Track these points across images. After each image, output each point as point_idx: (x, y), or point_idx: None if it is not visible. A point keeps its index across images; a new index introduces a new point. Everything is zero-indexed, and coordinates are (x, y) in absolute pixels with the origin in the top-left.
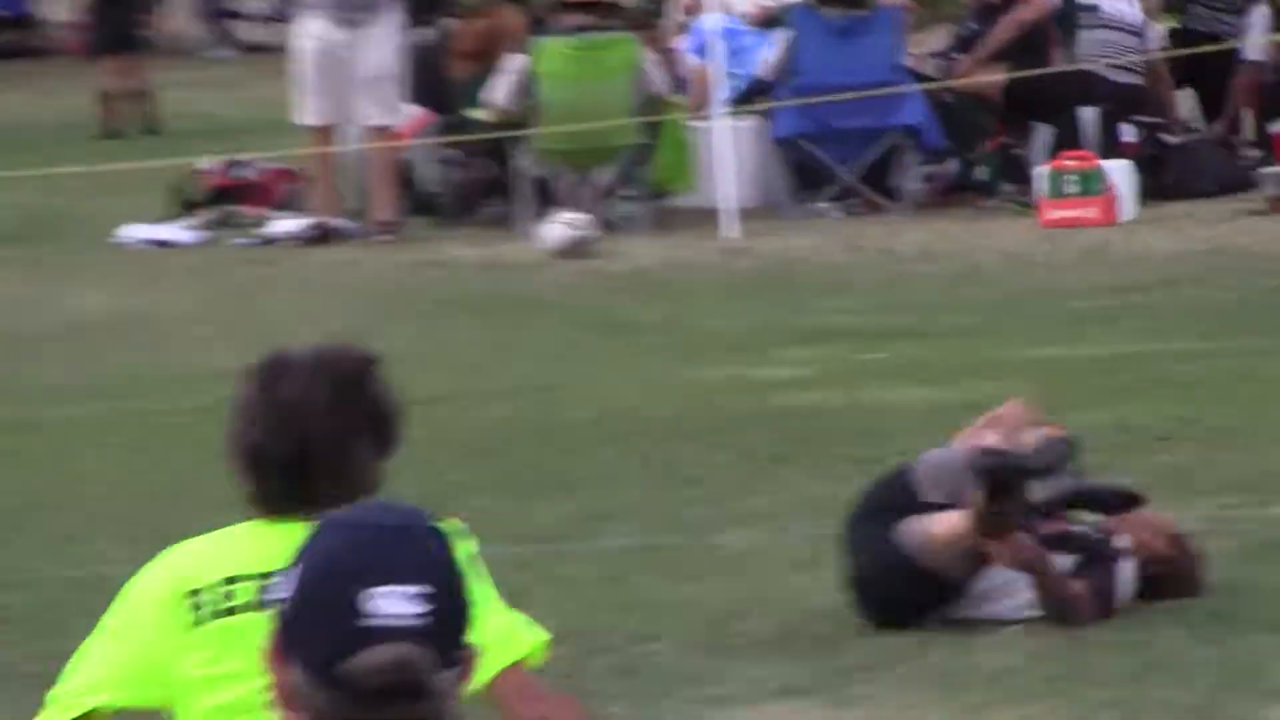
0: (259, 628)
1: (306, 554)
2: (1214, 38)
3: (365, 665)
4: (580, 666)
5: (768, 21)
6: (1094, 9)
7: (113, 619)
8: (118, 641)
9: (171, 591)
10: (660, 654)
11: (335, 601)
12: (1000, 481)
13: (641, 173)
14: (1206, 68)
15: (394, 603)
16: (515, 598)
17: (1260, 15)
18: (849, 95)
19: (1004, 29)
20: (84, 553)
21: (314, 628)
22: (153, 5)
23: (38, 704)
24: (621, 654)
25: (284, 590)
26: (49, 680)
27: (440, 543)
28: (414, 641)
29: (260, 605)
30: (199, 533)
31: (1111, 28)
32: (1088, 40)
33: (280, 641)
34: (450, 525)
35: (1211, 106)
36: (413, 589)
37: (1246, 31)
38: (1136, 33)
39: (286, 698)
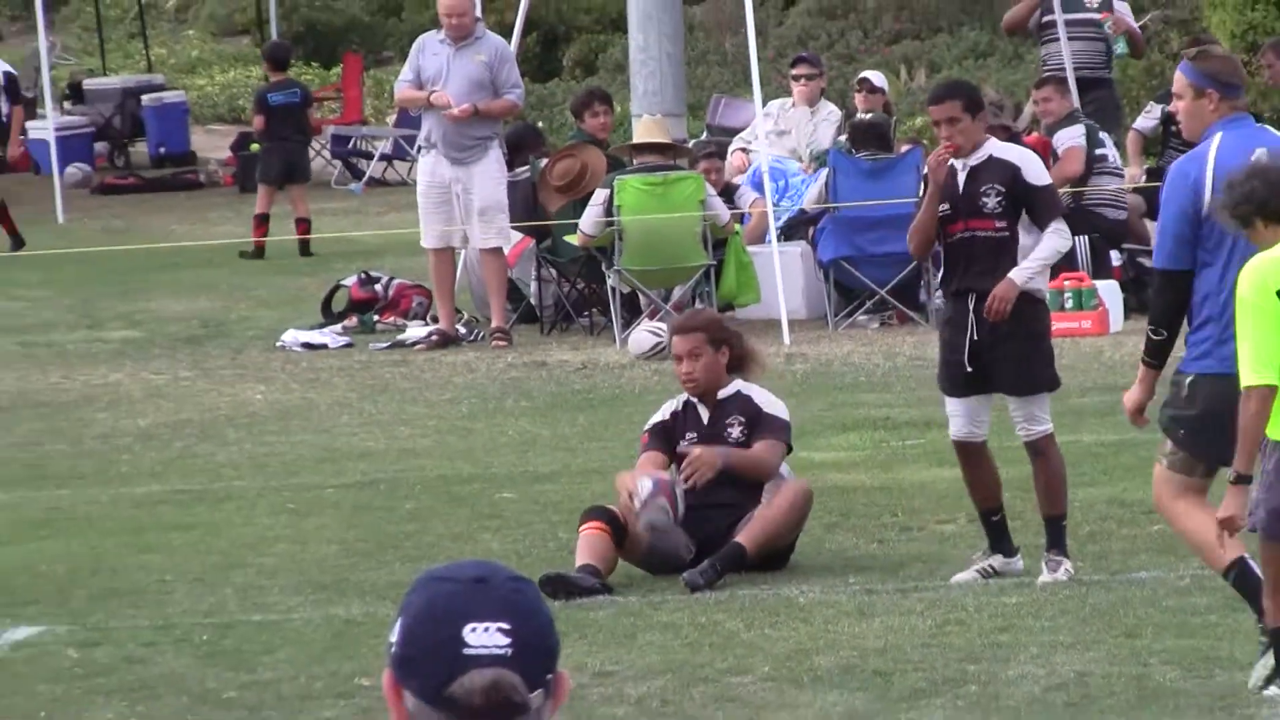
0: None
1: (409, 606)
2: None
3: (469, 686)
4: (682, 694)
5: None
6: (1104, 159)
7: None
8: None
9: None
10: (747, 685)
11: (441, 638)
12: None
13: (710, 289)
14: None
15: (485, 636)
16: (625, 640)
17: None
18: (879, 208)
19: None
20: (265, 601)
21: (425, 661)
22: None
23: None
24: (716, 684)
25: (393, 636)
26: (243, 704)
27: (519, 588)
28: (504, 666)
29: None
30: (356, 583)
31: (1113, 174)
32: (1094, 183)
33: (395, 677)
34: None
35: None
36: (497, 625)
37: None
38: (1122, 175)
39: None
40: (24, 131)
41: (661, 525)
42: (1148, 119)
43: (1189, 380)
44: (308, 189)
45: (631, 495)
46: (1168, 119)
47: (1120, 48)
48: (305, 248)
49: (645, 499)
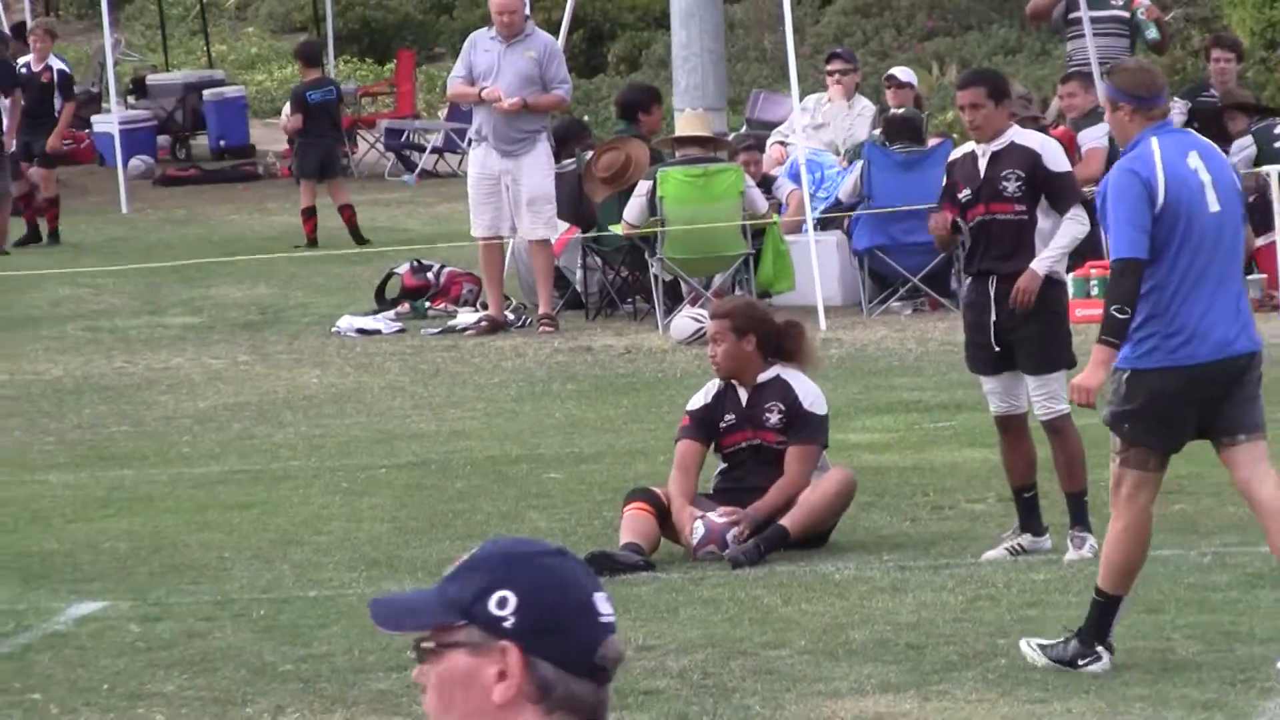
0: None
1: (517, 580)
2: None
3: (612, 653)
4: (722, 667)
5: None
6: None
7: None
8: None
9: None
10: (784, 658)
11: (579, 608)
12: None
13: (749, 276)
14: None
15: (607, 605)
16: (667, 614)
17: (1240, 147)
18: (912, 208)
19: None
20: (320, 577)
21: (569, 631)
22: (348, 140)
23: (289, 696)
24: (755, 658)
25: (502, 610)
26: (299, 676)
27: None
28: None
29: None
30: (408, 560)
31: None
32: None
33: (525, 648)
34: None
35: None
36: (605, 594)
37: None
38: None
39: (536, 692)
40: (88, 125)
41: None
42: (1176, 115)
43: (1126, 375)
44: (345, 181)
45: (689, 533)
46: (1192, 115)
47: (1151, 33)
48: (357, 234)
49: (697, 544)
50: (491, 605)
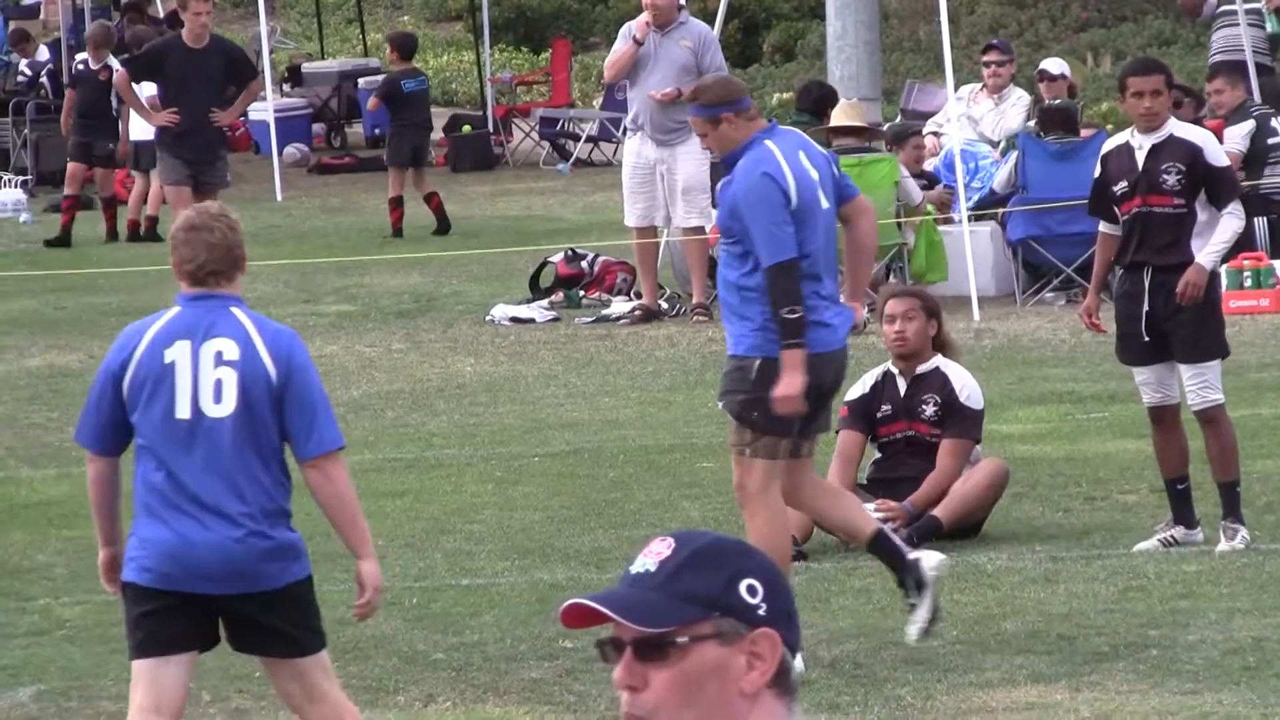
0: None
1: (759, 569)
2: None
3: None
4: (874, 657)
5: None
6: (1277, 147)
7: None
8: None
9: None
10: (937, 648)
11: (793, 599)
12: None
13: (904, 265)
14: None
15: None
16: (819, 604)
17: None
18: (1068, 204)
19: None
20: (472, 566)
21: (794, 620)
22: (503, 129)
23: (441, 685)
24: (906, 648)
25: (753, 598)
26: (451, 665)
27: None
28: None
29: None
30: (560, 549)
31: None
32: (1270, 171)
33: (780, 634)
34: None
35: None
36: None
37: None
38: None
39: (777, 678)
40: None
41: None
42: None
43: (758, 363)
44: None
45: None
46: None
47: (1271, 25)
48: (445, 220)
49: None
50: (743, 594)
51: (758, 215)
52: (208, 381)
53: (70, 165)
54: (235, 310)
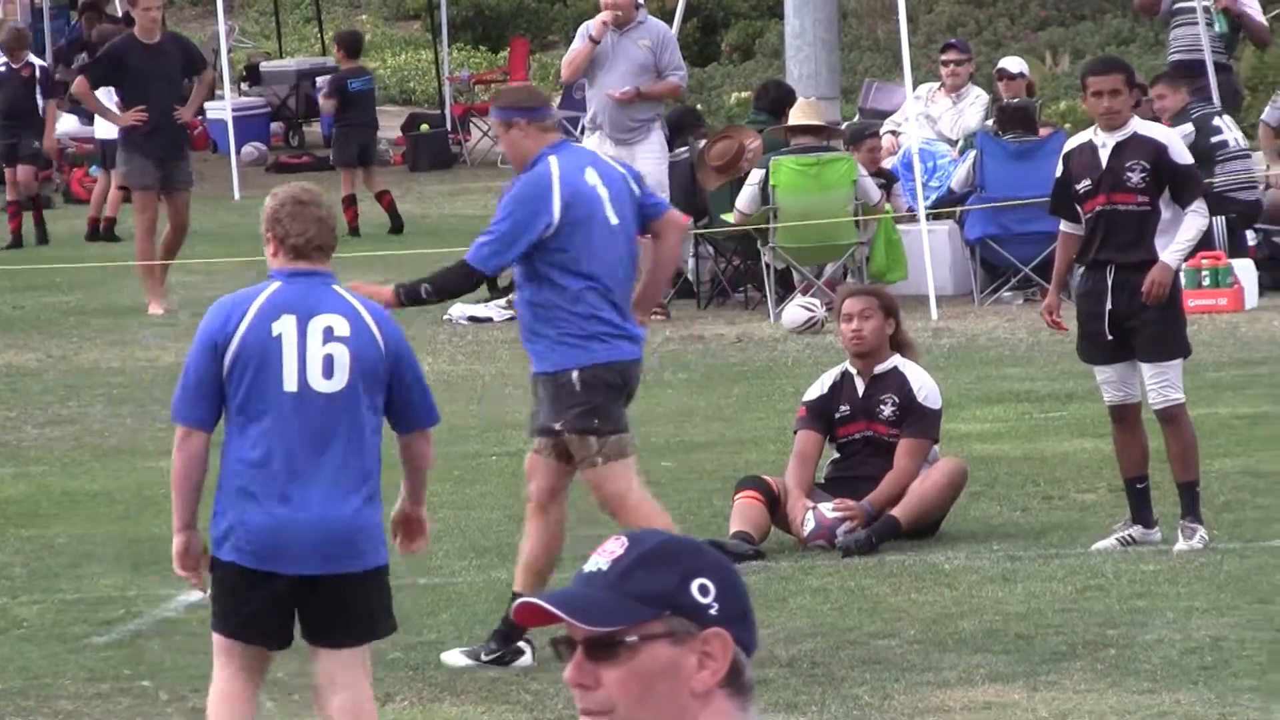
0: None
1: (709, 568)
2: None
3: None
4: (832, 656)
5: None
6: (1224, 144)
7: None
8: None
9: None
10: (894, 648)
11: (748, 599)
12: None
13: (861, 266)
14: None
15: None
16: (777, 604)
17: None
18: (1025, 202)
19: None
20: (430, 565)
21: (750, 619)
22: (462, 128)
23: (398, 683)
24: (864, 647)
25: (704, 598)
26: (408, 664)
27: None
28: None
29: None
30: (517, 547)
31: (1239, 157)
32: (1220, 170)
33: (733, 634)
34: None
35: None
36: None
37: None
38: (1249, 155)
39: (729, 679)
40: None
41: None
42: (1275, 109)
43: (575, 374)
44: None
45: (800, 523)
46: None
47: (1219, 25)
48: (397, 219)
49: (807, 536)
50: (695, 593)
51: (503, 216)
52: (316, 356)
53: (7, 171)
54: (337, 287)
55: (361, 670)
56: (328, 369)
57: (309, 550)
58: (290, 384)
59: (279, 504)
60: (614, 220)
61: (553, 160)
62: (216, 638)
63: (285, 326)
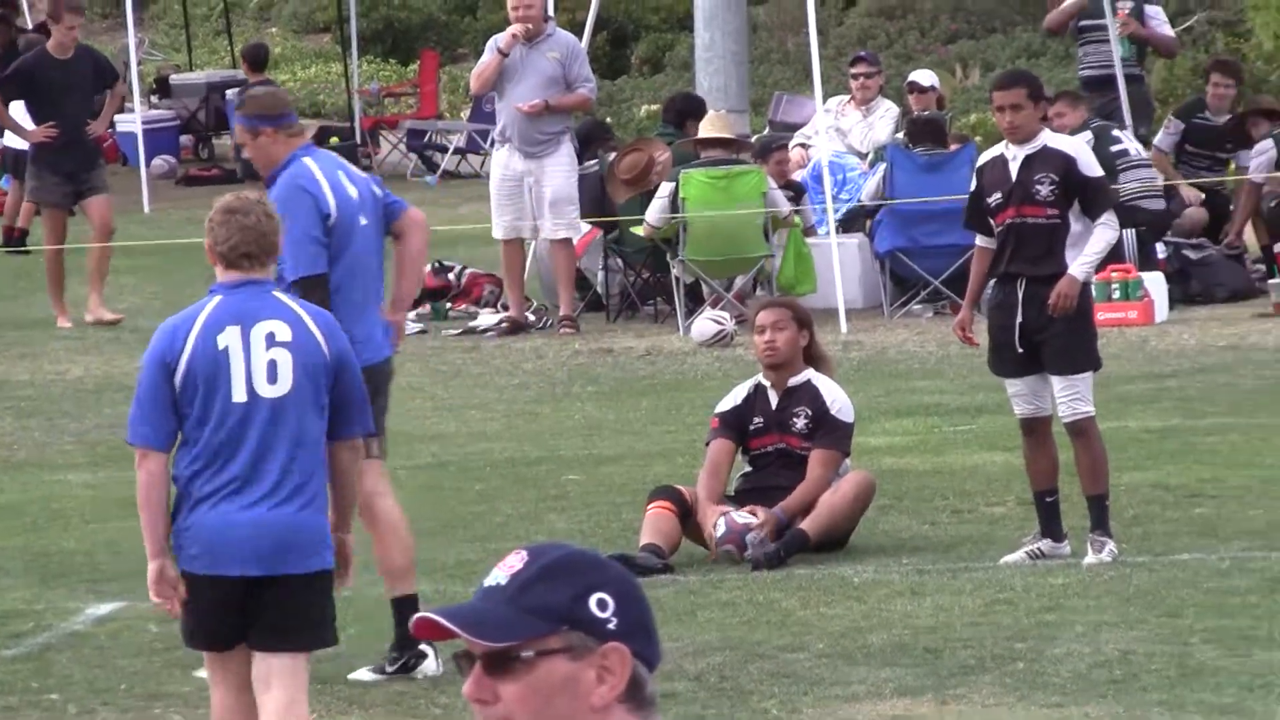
0: None
1: (608, 583)
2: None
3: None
4: (740, 670)
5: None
6: (1125, 153)
7: None
8: None
9: None
10: (802, 661)
11: (649, 613)
12: None
13: (770, 278)
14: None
15: None
16: (685, 617)
17: (1260, 151)
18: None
19: None
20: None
21: (651, 633)
22: (371, 141)
23: (309, 699)
24: (772, 661)
25: (603, 612)
26: (316, 677)
27: None
28: None
29: None
30: (425, 561)
31: (1141, 166)
32: (1124, 179)
33: (633, 648)
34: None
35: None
36: None
37: (1253, 160)
38: (1150, 164)
39: (629, 693)
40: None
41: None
42: (1168, 135)
43: (376, 368)
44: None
45: (711, 528)
46: (1185, 136)
47: (1123, 50)
48: None
49: (717, 540)
50: (593, 608)
51: (288, 226)
52: (260, 363)
53: None
54: (277, 293)
55: (294, 678)
56: (272, 374)
57: (250, 553)
58: (239, 394)
59: (225, 508)
60: (364, 221)
61: (308, 160)
62: (204, 655)
63: (230, 339)
